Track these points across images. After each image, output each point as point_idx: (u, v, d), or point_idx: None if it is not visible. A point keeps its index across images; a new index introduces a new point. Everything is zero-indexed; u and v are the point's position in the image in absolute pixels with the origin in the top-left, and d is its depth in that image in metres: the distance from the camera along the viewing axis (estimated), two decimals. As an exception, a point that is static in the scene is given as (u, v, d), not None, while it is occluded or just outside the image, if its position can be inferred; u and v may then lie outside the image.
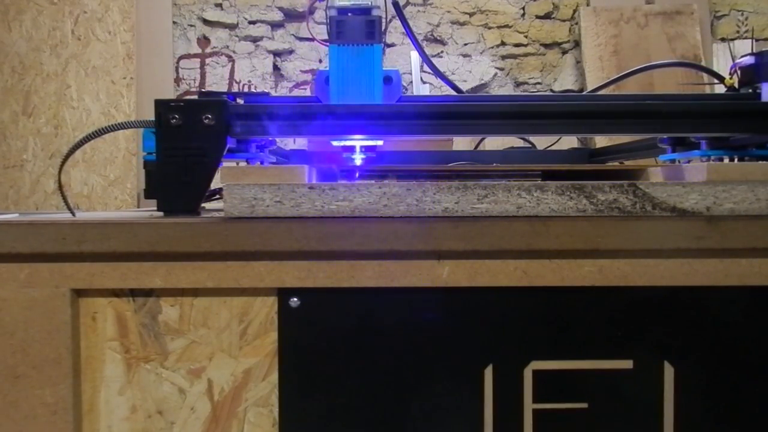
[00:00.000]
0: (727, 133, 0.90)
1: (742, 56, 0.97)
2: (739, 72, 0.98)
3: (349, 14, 0.94)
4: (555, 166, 1.39)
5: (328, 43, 0.96)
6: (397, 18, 1.10)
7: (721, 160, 0.93)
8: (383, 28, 0.95)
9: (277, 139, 1.28)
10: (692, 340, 0.77)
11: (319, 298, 0.76)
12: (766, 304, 0.77)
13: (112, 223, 0.73)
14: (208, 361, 0.77)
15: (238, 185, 0.75)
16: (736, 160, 0.93)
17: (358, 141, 1.00)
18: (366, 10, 0.93)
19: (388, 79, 0.97)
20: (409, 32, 1.13)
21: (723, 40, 3.53)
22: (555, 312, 0.77)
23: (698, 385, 0.77)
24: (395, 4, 1.07)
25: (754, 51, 0.96)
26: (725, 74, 1.05)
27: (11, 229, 0.73)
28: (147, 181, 0.95)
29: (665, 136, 1.01)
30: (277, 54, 3.55)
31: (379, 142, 1.02)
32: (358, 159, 1.03)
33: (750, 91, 0.96)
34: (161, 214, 0.82)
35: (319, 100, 0.99)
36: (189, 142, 0.81)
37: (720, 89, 1.06)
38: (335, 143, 1.02)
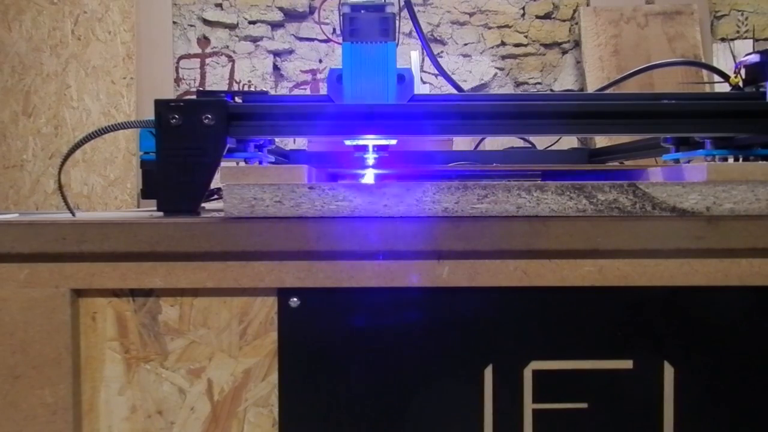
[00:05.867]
0: (731, 133, 0.90)
1: (747, 54, 0.97)
2: (743, 70, 0.98)
3: (363, 11, 0.93)
4: (555, 166, 1.39)
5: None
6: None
7: (726, 159, 0.93)
8: (397, 25, 0.95)
9: (276, 139, 1.28)
10: (692, 340, 0.77)
11: (319, 298, 0.76)
12: (766, 304, 0.77)
13: (112, 223, 0.73)
14: (208, 361, 0.77)
15: (238, 185, 0.75)
16: (741, 159, 0.92)
17: (370, 140, 1.00)
18: (380, 7, 0.93)
19: (400, 78, 0.96)
20: (419, 31, 1.13)
21: (723, 40, 3.53)
22: (555, 312, 0.77)
23: (698, 385, 0.77)
24: (407, 2, 1.07)
25: (755, 51, 0.96)
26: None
27: (11, 229, 0.73)
28: (144, 180, 0.95)
29: (668, 136, 1.01)
30: (277, 54, 3.55)
31: (393, 141, 1.01)
32: (370, 158, 1.02)
33: (754, 89, 0.96)
34: (161, 214, 0.82)
35: (331, 99, 0.99)
36: (189, 142, 0.81)
37: (720, 88, 1.06)
38: (348, 142, 1.02)
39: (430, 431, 0.77)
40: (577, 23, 3.54)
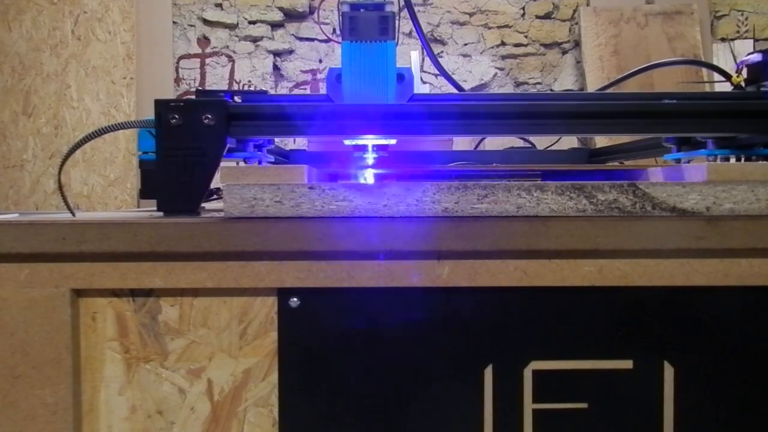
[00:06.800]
0: (732, 133, 0.90)
1: (749, 54, 0.97)
2: (745, 70, 0.98)
3: (362, 10, 0.93)
4: (555, 166, 1.39)
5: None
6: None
7: (728, 159, 0.93)
8: (396, 24, 0.94)
9: (276, 139, 1.28)
10: (692, 340, 0.77)
11: (319, 298, 0.76)
12: (766, 304, 0.77)
13: (112, 223, 0.73)
14: (208, 361, 0.77)
15: (238, 185, 0.75)
16: (743, 159, 0.92)
17: (370, 140, 1.00)
18: (379, 6, 0.92)
19: (400, 77, 0.96)
20: (419, 31, 1.13)
21: (723, 40, 3.53)
22: (555, 312, 0.77)
23: (698, 385, 0.77)
24: (407, 2, 1.07)
25: (757, 50, 0.96)
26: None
27: (11, 229, 0.73)
28: (143, 180, 0.95)
29: (669, 136, 1.01)
30: (277, 54, 3.55)
31: (392, 141, 1.01)
32: (370, 158, 1.02)
33: (756, 89, 0.96)
34: (161, 214, 0.82)
35: (331, 99, 0.98)
36: (189, 142, 0.81)
37: (720, 88, 1.06)
38: (347, 142, 1.01)
39: (430, 431, 0.77)
40: (577, 23, 3.53)
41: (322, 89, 3.44)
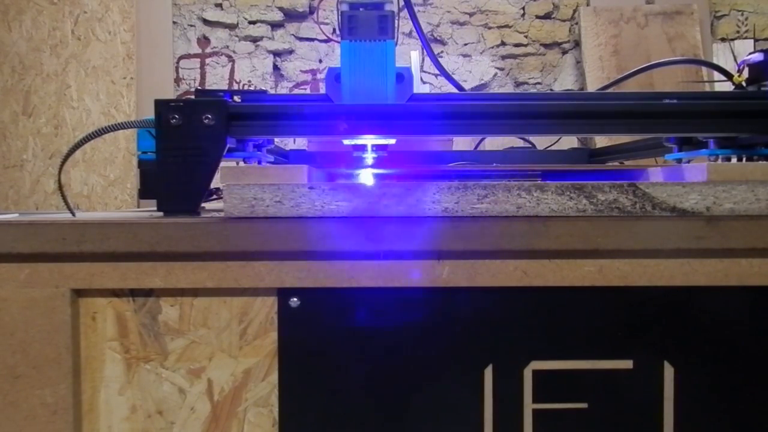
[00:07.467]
0: (733, 133, 0.89)
1: (750, 53, 0.97)
2: (746, 69, 0.98)
3: (361, 9, 0.92)
4: (555, 166, 1.39)
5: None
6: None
7: (729, 159, 0.93)
8: (396, 23, 0.94)
9: (276, 139, 1.28)
10: (692, 340, 0.77)
11: (319, 298, 0.76)
12: (766, 304, 0.77)
13: (112, 223, 0.73)
14: (208, 361, 0.77)
15: (238, 185, 0.75)
16: (744, 159, 0.92)
17: (369, 140, 0.99)
18: (378, 5, 0.92)
19: (400, 77, 0.96)
20: (419, 30, 1.13)
21: (723, 40, 3.53)
22: (555, 312, 0.77)
23: (698, 385, 0.77)
24: (407, 2, 1.07)
25: (759, 50, 0.96)
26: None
27: (11, 229, 0.73)
28: (142, 180, 0.95)
29: (670, 136, 1.01)
30: (277, 54, 3.55)
31: (392, 141, 1.01)
32: (369, 158, 1.02)
33: (757, 88, 0.96)
34: (161, 214, 0.82)
35: (330, 99, 0.98)
36: (189, 142, 0.81)
37: (720, 87, 1.06)
38: (347, 142, 1.01)
39: (430, 431, 0.77)
40: (577, 23, 3.53)
41: (322, 89, 3.43)
